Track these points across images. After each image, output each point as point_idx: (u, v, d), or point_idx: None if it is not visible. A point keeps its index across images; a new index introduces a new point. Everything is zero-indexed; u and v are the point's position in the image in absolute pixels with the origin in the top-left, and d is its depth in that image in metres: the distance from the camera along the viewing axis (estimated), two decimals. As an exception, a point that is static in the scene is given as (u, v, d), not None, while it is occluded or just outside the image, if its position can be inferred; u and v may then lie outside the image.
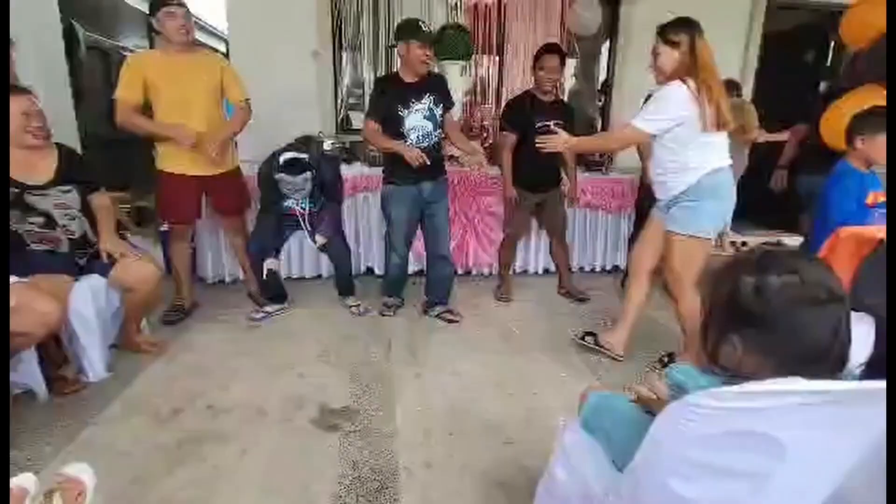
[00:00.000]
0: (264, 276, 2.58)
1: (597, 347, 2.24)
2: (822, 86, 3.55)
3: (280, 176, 2.45)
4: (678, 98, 1.79)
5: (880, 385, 0.63)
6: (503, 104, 4.22)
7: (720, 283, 0.74)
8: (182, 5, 2.29)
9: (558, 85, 2.67)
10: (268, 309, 2.65)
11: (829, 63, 4.35)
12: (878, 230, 1.58)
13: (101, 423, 1.73)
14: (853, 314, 0.66)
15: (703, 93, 1.77)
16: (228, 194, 2.61)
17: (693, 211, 1.88)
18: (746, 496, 0.70)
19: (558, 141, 2.05)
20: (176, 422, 1.75)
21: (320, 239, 2.59)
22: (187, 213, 2.57)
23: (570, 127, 2.67)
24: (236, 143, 2.70)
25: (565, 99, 3.88)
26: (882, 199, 1.82)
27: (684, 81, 1.79)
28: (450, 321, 2.66)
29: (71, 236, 1.97)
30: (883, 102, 2.21)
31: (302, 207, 2.56)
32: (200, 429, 1.71)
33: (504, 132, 2.79)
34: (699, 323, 2.15)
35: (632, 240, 3.11)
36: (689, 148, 1.83)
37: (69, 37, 3.32)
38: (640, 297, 2.17)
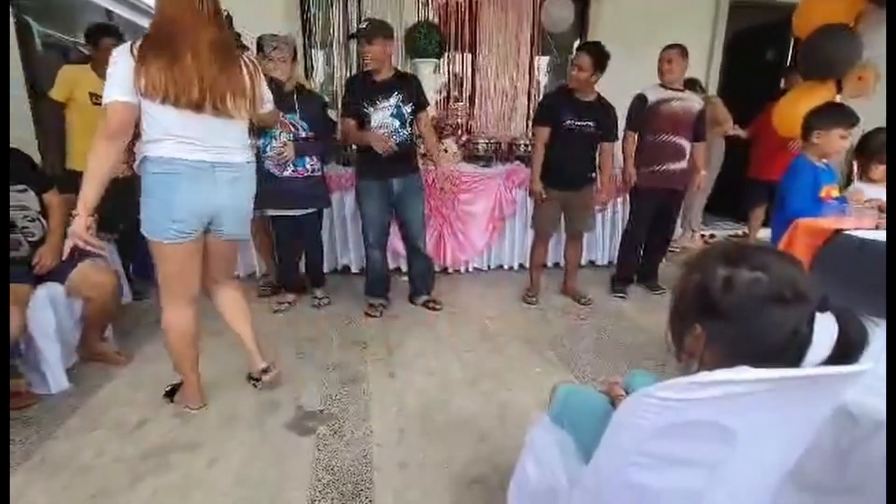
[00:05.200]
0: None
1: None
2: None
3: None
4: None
5: (824, 371, 0.65)
6: (476, 101, 4.25)
7: (691, 271, 0.74)
8: None
9: (589, 84, 2.56)
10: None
11: (788, 61, 4.51)
12: (832, 222, 1.65)
13: (62, 437, 1.66)
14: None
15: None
16: None
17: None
18: (703, 482, 0.72)
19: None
20: (142, 432, 1.70)
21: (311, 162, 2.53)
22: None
23: (605, 130, 2.66)
24: None
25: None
26: (835, 193, 1.90)
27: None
28: (432, 309, 2.78)
29: (31, 238, 1.89)
30: (827, 97, 2.40)
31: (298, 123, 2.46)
32: (168, 438, 1.66)
33: (537, 125, 2.74)
34: (175, 346, 1.74)
35: (625, 236, 3.11)
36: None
37: (22, 33, 3.19)
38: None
